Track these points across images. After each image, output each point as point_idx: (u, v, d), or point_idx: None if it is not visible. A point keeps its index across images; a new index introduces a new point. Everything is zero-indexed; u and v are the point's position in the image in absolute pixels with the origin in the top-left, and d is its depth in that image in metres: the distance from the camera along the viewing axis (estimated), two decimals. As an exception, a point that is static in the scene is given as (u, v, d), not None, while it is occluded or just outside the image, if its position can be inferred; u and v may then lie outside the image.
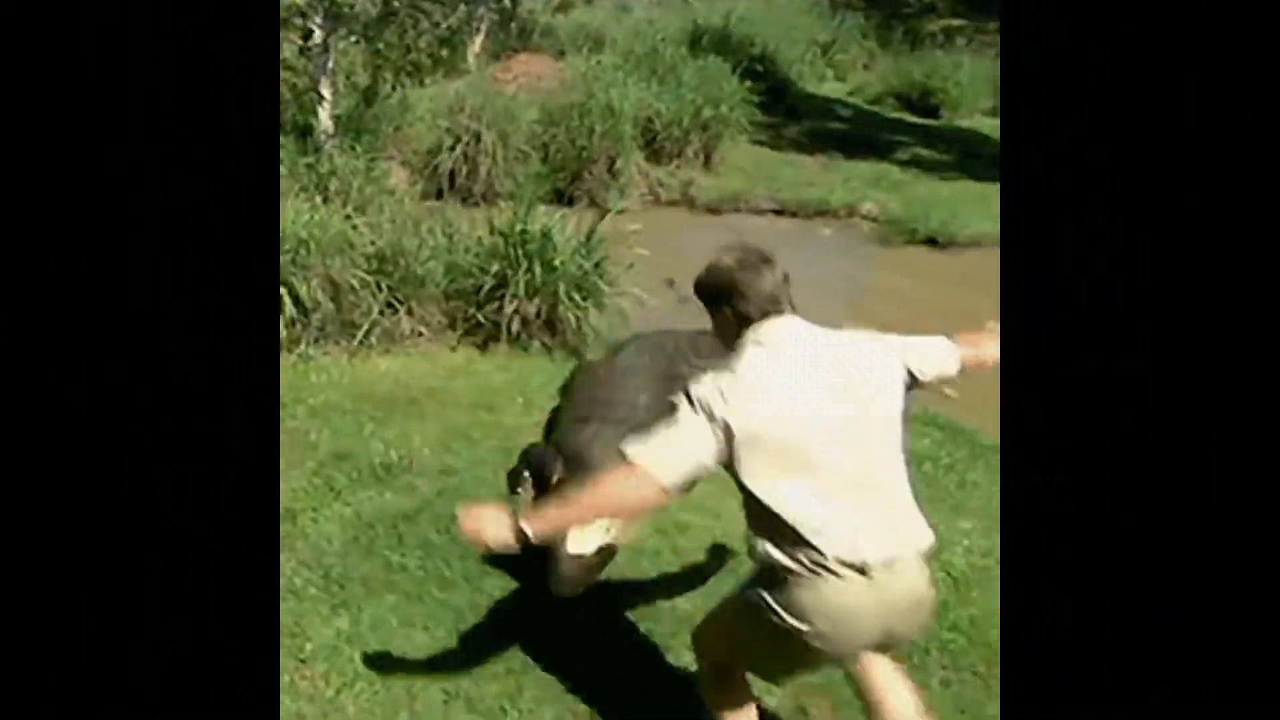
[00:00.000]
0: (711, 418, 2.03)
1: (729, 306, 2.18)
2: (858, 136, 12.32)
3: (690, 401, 2.06)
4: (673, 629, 3.14)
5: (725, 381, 2.07)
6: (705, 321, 5.97)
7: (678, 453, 2.04)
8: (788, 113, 12.84)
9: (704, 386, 2.08)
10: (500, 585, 3.26)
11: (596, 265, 5.50)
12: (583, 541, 2.88)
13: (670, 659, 3.02)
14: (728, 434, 2.02)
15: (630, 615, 3.19)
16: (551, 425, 4.12)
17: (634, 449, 2.05)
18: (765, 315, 2.15)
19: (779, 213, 9.31)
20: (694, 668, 2.96)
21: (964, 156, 11.82)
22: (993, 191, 10.30)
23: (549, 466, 3.59)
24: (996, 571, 3.65)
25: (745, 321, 2.16)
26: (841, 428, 2.09)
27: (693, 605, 3.26)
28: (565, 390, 4.30)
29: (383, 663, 2.91)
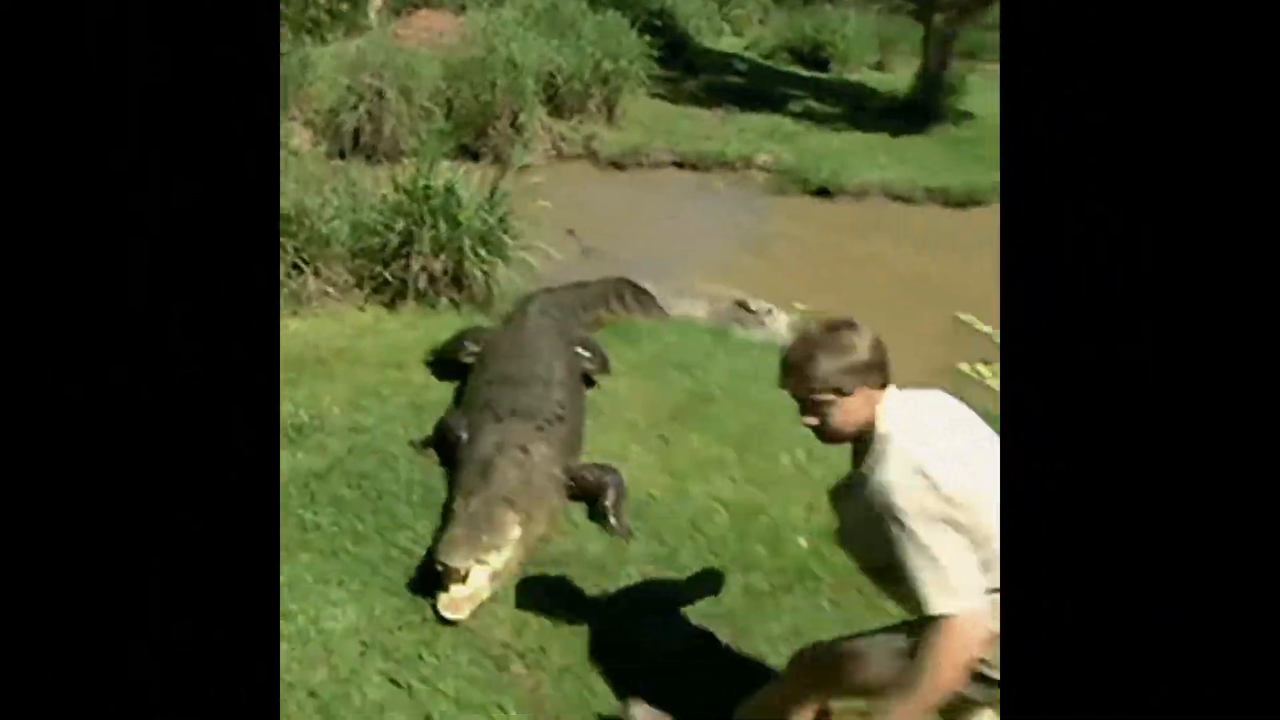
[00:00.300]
0: (949, 519, 1.87)
1: (866, 383, 1.97)
2: (753, 90, 12.33)
3: (916, 521, 1.86)
4: (581, 573, 3.15)
5: (924, 477, 1.88)
6: (607, 271, 5.96)
7: (966, 572, 1.87)
8: (686, 67, 12.76)
9: (913, 496, 1.87)
10: (412, 538, 3.22)
11: (501, 220, 5.38)
12: (457, 605, 2.88)
13: (583, 598, 3.04)
14: (962, 519, 1.88)
15: (544, 566, 3.19)
16: (466, 390, 4.06)
17: (941, 605, 1.84)
18: (887, 384, 2.02)
19: (679, 165, 9.28)
20: (600, 607, 3.00)
21: (853, 109, 11.96)
22: (878, 142, 10.54)
23: (456, 447, 3.56)
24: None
25: (882, 392, 1.99)
26: (988, 473, 1.90)
27: (602, 548, 3.29)
28: (472, 355, 4.24)
29: (300, 619, 2.85)
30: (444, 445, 3.66)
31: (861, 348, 1.97)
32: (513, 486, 3.18)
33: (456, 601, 2.88)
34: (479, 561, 2.90)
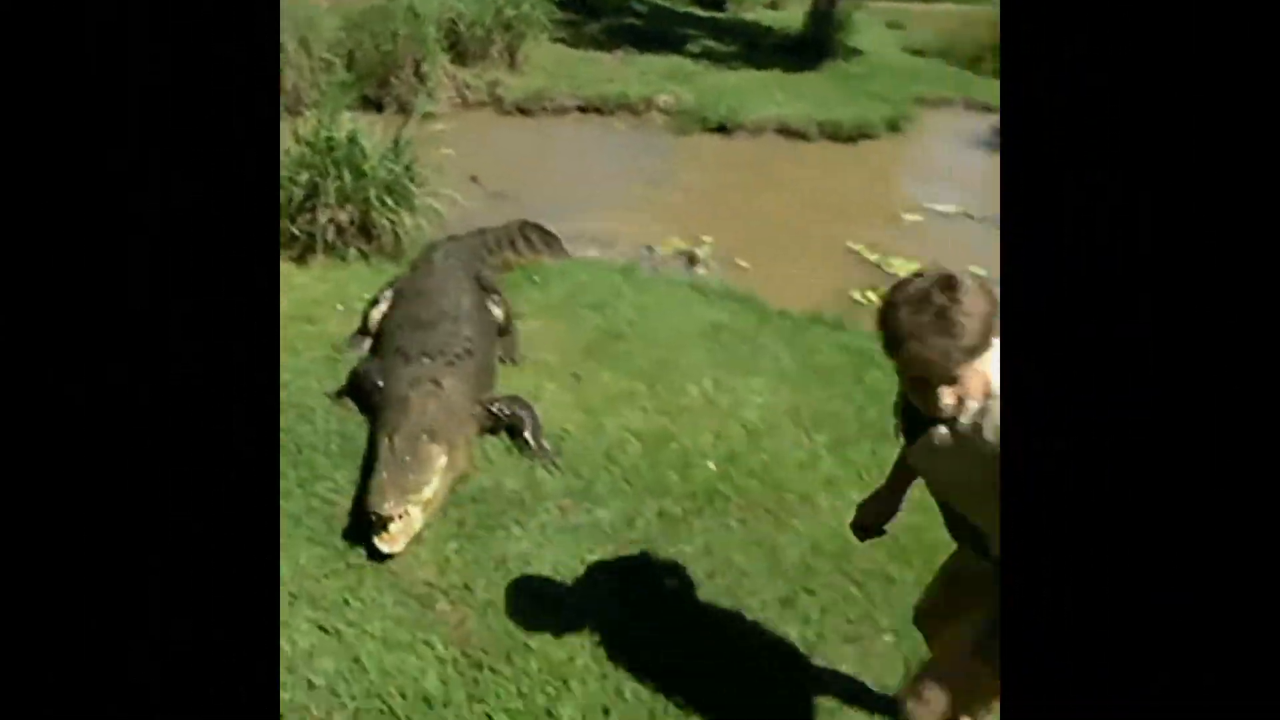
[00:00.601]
0: None
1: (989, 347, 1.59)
2: (652, 31, 12.10)
3: None
4: (500, 508, 3.12)
5: None
6: (514, 216, 5.83)
7: None
8: (586, 11, 12.43)
9: None
10: (333, 488, 3.13)
11: (406, 168, 5.18)
12: (393, 539, 2.82)
13: (503, 532, 3.00)
14: None
15: (463, 504, 3.14)
16: (379, 337, 3.94)
17: None
18: None
19: (582, 109, 9.08)
20: (520, 541, 2.97)
21: (748, 47, 11.85)
22: (773, 79, 10.47)
23: (372, 393, 3.47)
24: (783, 422, 3.82)
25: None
26: None
27: (520, 484, 3.25)
28: (387, 302, 4.12)
29: (222, 574, 2.75)
30: (360, 393, 3.57)
31: (987, 295, 1.59)
32: (432, 418, 3.12)
33: (392, 536, 2.82)
34: (409, 502, 2.84)
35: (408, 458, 2.95)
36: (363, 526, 2.88)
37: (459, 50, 9.23)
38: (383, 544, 2.81)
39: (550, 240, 5.29)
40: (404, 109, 7.71)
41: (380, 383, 3.46)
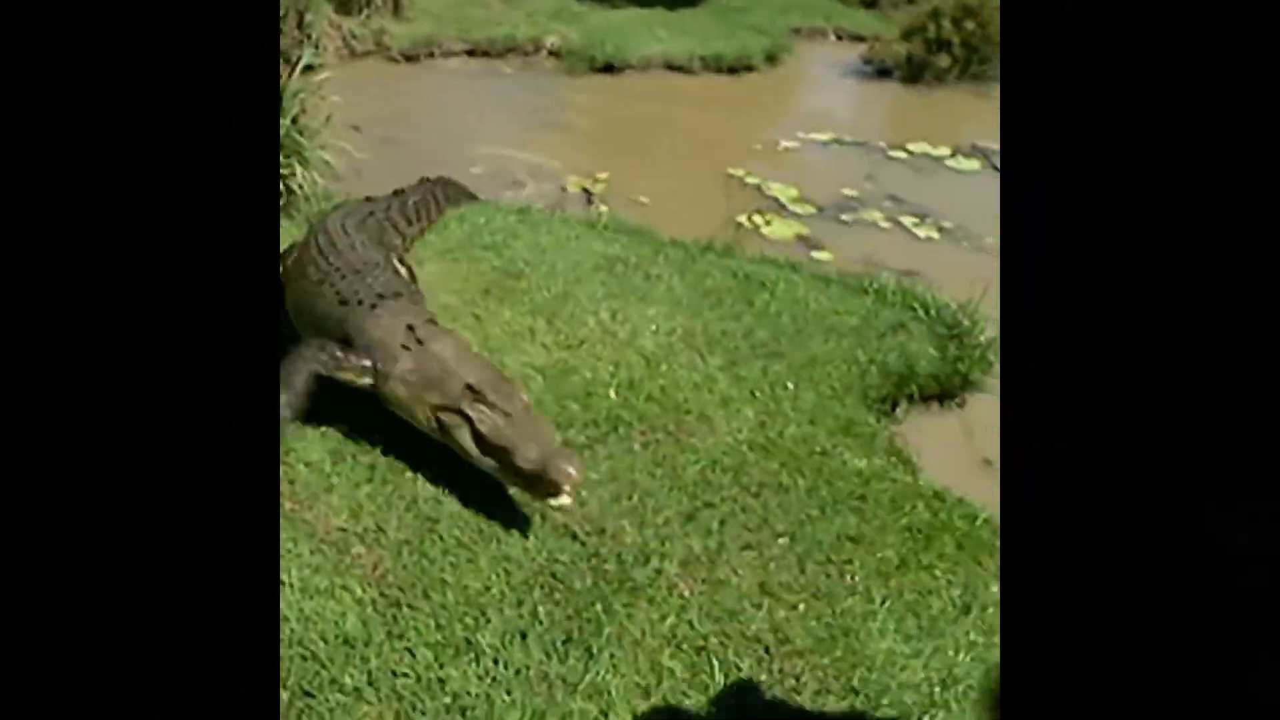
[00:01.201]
0: None
1: None
2: (536, -27, 11.58)
3: None
4: (408, 450, 3.00)
5: None
6: (407, 166, 5.48)
7: None
8: (469, -46, 11.77)
9: None
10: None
11: (294, 121, 4.85)
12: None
13: (412, 472, 2.90)
14: None
15: (372, 448, 3.01)
16: (288, 309, 3.57)
17: None
18: None
19: (471, 53, 8.67)
20: (430, 480, 2.88)
21: (631, -15, 11.47)
22: (657, 16, 10.20)
23: (344, 361, 3.01)
24: (678, 347, 3.79)
25: None
26: None
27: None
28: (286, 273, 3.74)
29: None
30: (319, 374, 3.00)
31: None
32: (481, 359, 3.01)
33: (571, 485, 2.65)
34: (570, 454, 2.70)
35: (530, 417, 2.78)
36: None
37: (342, -1, 8.66)
38: (566, 497, 2.65)
39: (464, 195, 5.02)
40: (289, 61, 7.18)
41: (337, 354, 2.98)
